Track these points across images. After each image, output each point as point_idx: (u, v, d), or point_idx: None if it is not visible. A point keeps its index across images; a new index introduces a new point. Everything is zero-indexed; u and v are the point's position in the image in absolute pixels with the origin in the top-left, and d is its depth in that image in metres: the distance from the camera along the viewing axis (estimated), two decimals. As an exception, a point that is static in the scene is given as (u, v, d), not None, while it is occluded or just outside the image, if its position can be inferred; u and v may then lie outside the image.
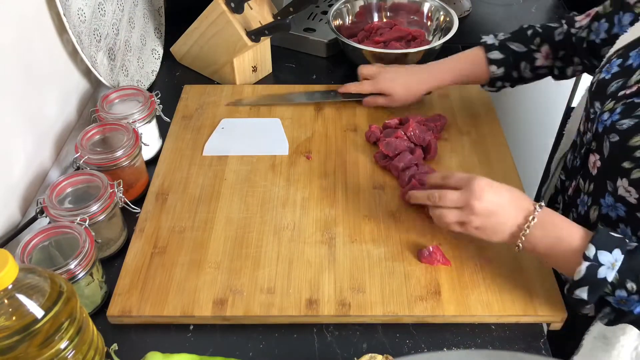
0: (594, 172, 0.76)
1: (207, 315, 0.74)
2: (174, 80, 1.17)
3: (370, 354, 0.65)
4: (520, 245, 0.71)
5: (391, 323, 0.74)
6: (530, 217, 0.69)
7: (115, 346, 0.68)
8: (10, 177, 0.82)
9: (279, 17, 1.08)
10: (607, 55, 0.81)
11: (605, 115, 0.74)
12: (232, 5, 1.03)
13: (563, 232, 0.69)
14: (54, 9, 0.90)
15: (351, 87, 1.05)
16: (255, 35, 1.05)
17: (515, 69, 0.97)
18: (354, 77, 1.15)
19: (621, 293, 0.65)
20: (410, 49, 1.10)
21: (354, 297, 0.75)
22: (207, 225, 0.85)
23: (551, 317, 0.74)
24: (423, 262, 0.78)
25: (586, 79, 0.90)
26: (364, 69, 1.04)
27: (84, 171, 0.81)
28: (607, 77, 0.77)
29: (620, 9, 0.85)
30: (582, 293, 0.66)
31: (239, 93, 1.10)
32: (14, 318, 0.55)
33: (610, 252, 0.65)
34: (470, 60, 0.99)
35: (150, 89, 1.13)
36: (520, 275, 0.77)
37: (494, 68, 0.96)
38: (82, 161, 0.83)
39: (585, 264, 0.65)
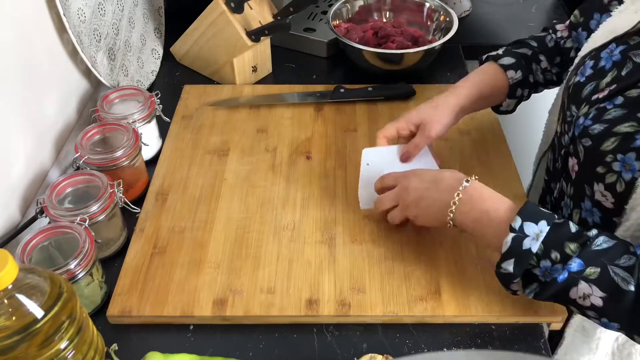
0: (573, 175, 0.77)
1: (207, 315, 0.74)
2: (174, 80, 1.17)
3: (370, 354, 0.65)
4: (451, 223, 0.72)
5: (391, 323, 0.74)
6: (455, 194, 0.71)
7: (115, 346, 0.68)
8: (10, 177, 0.82)
9: (279, 17, 1.08)
10: (581, 56, 0.82)
11: (580, 120, 0.74)
12: (232, 5, 1.03)
13: (490, 205, 0.69)
14: (54, 9, 0.90)
15: (381, 139, 0.89)
16: (255, 35, 1.05)
17: (529, 72, 0.93)
18: (354, 77, 1.16)
19: (546, 263, 0.64)
20: (410, 49, 1.10)
21: (354, 297, 0.75)
22: (207, 225, 0.85)
23: (551, 317, 0.74)
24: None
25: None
26: (388, 130, 0.89)
27: (84, 171, 0.81)
28: (581, 80, 0.78)
29: (598, 12, 0.86)
30: (509, 266, 0.66)
31: (239, 93, 1.10)
32: (14, 318, 0.55)
33: (536, 223, 0.64)
34: (485, 71, 0.93)
35: (150, 89, 1.13)
36: (520, 275, 0.77)
37: (511, 73, 0.91)
38: (82, 161, 0.83)
39: (511, 235, 0.65)
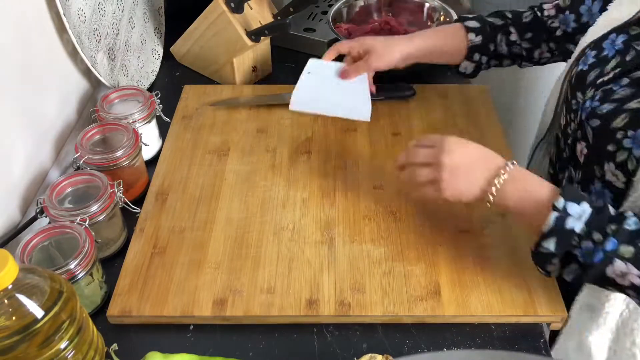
0: (582, 159, 0.77)
1: (207, 315, 0.74)
2: (174, 80, 1.17)
3: (370, 354, 0.65)
4: (492, 199, 0.71)
5: (391, 323, 0.74)
6: (502, 172, 0.71)
7: (115, 346, 0.68)
8: (10, 177, 0.82)
9: (279, 17, 1.07)
10: (581, 48, 0.83)
11: (587, 103, 0.75)
12: (232, 5, 1.03)
13: (533, 186, 0.70)
14: (54, 9, 0.90)
15: (331, 52, 1.00)
16: (255, 35, 1.05)
17: (492, 41, 0.97)
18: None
19: (588, 244, 0.64)
20: (410, 49, 1.10)
21: (354, 297, 0.75)
22: (207, 225, 0.85)
23: (551, 317, 0.74)
24: None
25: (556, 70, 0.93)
26: (342, 45, 1.00)
27: (84, 171, 0.81)
28: (584, 69, 0.79)
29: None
30: (550, 245, 0.66)
31: (238, 93, 1.09)
32: (14, 318, 0.55)
33: (579, 204, 0.65)
34: (449, 31, 0.99)
35: (150, 89, 1.13)
36: (520, 275, 0.77)
37: (472, 36, 0.96)
38: (82, 161, 0.83)
39: (555, 214, 0.65)
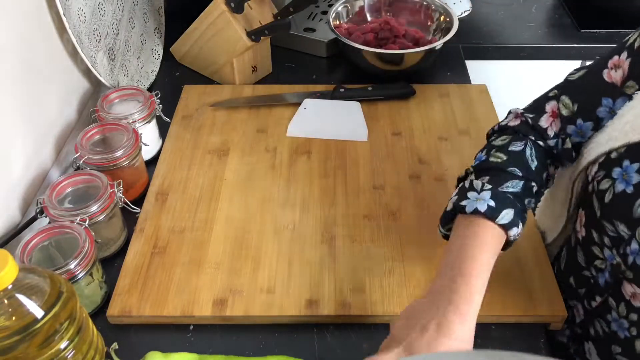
0: (637, 303, 0.63)
1: (207, 315, 0.74)
2: (174, 80, 1.17)
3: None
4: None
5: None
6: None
7: (115, 345, 0.68)
8: (10, 177, 0.82)
9: (279, 17, 1.07)
10: (605, 152, 0.65)
11: (635, 247, 0.60)
12: (232, 5, 1.03)
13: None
14: (54, 9, 0.90)
15: None
16: (255, 35, 1.05)
17: (525, 212, 0.69)
18: (354, 77, 1.16)
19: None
20: (411, 49, 1.10)
21: (354, 297, 0.75)
22: (207, 225, 0.85)
23: (551, 317, 0.74)
24: None
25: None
26: None
27: (84, 171, 0.81)
28: (628, 191, 0.61)
29: (608, 97, 0.68)
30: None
31: (238, 93, 1.10)
32: (13, 318, 0.55)
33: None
34: (488, 242, 0.64)
35: (150, 89, 1.13)
36: (521, 275, 0.77)
37: (514, 231, 0.65)
38: (82, 161, 0.83)
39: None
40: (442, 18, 1.19)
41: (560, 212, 0.77)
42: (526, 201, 0.68)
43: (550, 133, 0.72)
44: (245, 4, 1.04)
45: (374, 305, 0.74)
